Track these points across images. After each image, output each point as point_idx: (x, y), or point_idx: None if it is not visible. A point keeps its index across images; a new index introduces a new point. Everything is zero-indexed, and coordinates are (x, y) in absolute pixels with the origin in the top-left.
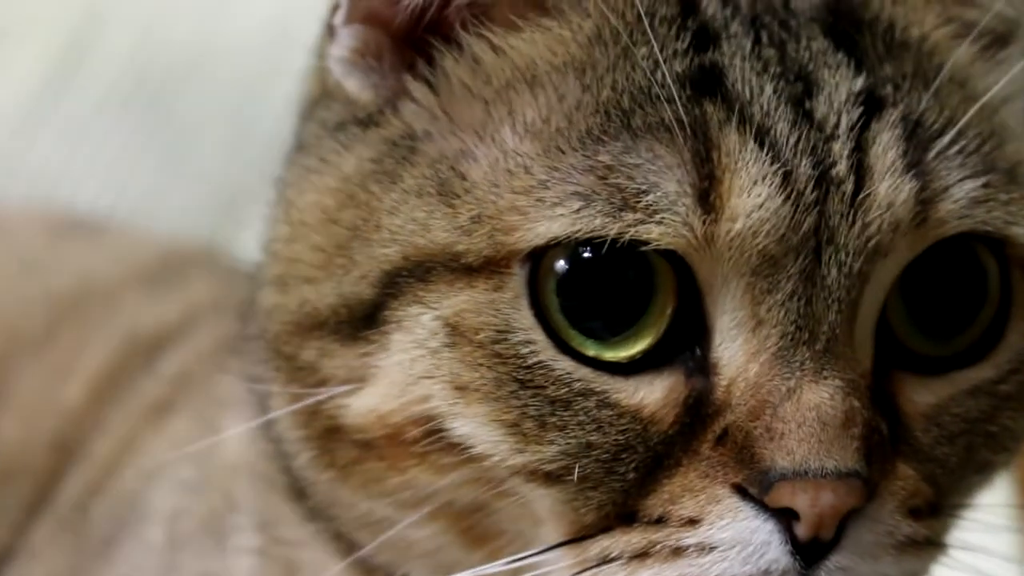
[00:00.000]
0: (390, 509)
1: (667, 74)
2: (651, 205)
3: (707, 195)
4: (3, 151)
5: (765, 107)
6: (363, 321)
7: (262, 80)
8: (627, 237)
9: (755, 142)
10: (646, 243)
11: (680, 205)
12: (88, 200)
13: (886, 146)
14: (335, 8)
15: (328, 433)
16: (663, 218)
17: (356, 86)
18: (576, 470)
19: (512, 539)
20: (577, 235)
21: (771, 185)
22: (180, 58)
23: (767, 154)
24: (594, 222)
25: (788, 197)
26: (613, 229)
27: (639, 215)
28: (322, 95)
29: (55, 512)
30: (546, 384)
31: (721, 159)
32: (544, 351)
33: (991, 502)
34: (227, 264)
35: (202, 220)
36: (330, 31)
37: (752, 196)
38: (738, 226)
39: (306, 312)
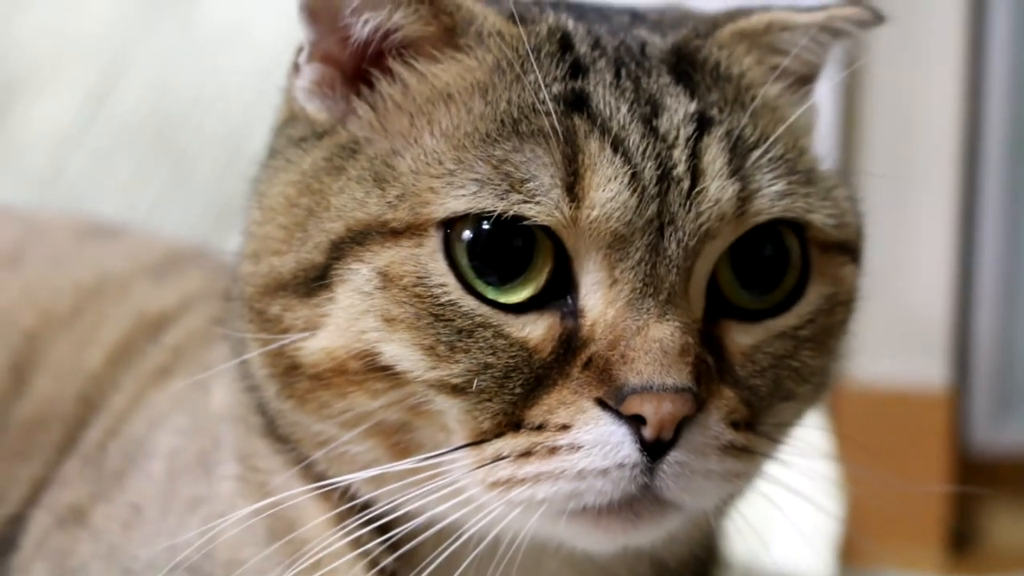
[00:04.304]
0: (335, 428)
1: (547, 94)
2: (531, 190)
3: (573, 187)
4: (42, 171)
5: (621, 122)
6: (316, 280)
7: (247, 116)
8: (510, 213)
9: (611, 149)
10: (526, 218)
11: (553, 193)
12: (107, 211)
13: (715, 155)
14: (299, 50)
15: (289, 370)
16: (539, 200)
17: (315, 109)
18: (476, 382)
19: (429, 452)
20: (472, 210)
21: (621, 183)
22: (183, 100)
23: (620, 158)
24: (486, 201)
25: (634, 191)
26: (499, 207)
27: (522, 196)
28: (290, 117)
29: (80, 451)
30: (455, 317)
31: (584, 160)
32: (454, 292)
33: (809, 431)
34: (217, 260)
35: (198, 229)
36: (296, 68)
37: (606, 191)
38: (595, 213)
39: (273, 276)
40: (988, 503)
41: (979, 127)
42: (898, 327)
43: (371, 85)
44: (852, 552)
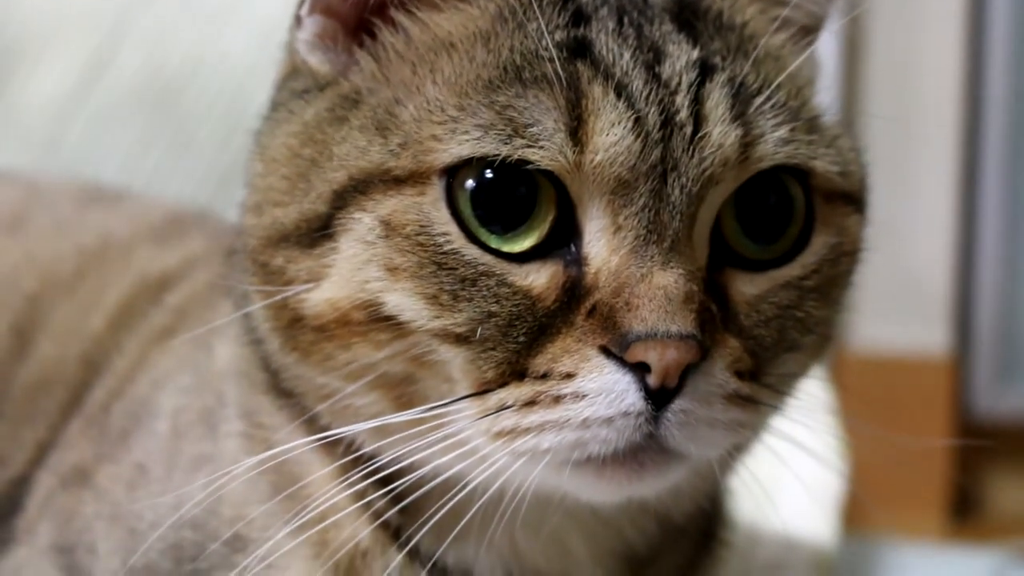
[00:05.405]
0: (339, 381)
1: (549, 41)
2: (535, 135)
3: (576, 132)
4: (44, 137)
5: (624, 68)
6: (319, 231)
7: (248, 83)
8: (515, 157)
9: (614, 94)
10: (530, 163)
11: (556, 138)
12: (109, 178)
13: (717, 100)
14: (301, 3)
15: (292, 322)
16: (543, 144)
17: (317, 61)
18: (479, 331)
19: (433, 403)
20: (476, 155)
21: (625, 127)
22: (184, 65)
23: (623, 103)
24: (490, 146)
25: (638, 136)
26: (503, 151)
27: (526, 140)
28: (292, 71)
29: (84, 413)
30: (457, 266)
31: (588, 105)
32: (457, 240)
33: (813, 385)
34: (218, 223)
35: (199, 195)
36: (297, 21)
37: (610, 135)
38: (599, 157)
39: (276, 228)
40: (990, 469)
41: (981, 91)
42: (899, 293)
43: (373, 35)
44: (856, 516)
